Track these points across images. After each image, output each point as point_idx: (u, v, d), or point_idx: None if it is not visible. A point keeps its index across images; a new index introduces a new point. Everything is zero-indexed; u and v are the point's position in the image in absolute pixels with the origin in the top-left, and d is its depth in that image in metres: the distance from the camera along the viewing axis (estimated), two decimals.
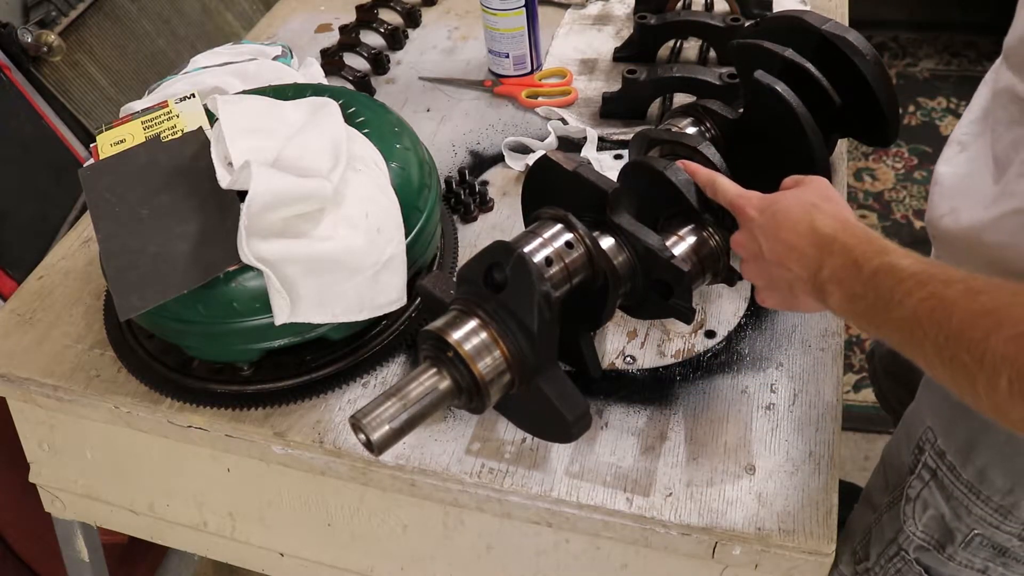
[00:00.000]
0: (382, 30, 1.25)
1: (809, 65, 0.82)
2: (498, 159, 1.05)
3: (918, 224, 2.21)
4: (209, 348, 0.78)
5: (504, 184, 1.01)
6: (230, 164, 0.74)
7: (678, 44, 1.19)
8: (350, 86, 1.15)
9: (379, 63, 1.21)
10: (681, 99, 1.05)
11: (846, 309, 0.60)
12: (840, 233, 0.61)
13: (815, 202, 0.64)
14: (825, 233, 0.61)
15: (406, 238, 0.77)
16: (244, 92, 0.86)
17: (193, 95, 0.86)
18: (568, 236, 0.70)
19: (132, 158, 0.80)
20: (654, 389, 0.78)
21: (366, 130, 0.81)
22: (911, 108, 2.55)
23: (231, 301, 0.71)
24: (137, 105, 0.89)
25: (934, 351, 0.51)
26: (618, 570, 0.76)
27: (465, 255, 0.91)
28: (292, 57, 1.02)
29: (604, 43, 1.23)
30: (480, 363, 0.63)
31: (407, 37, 1.28)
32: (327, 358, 0.79)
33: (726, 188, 0.71)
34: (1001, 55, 0.73)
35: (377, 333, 0.81)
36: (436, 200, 0.84)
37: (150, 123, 0.83)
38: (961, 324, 0.49)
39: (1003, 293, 0.48)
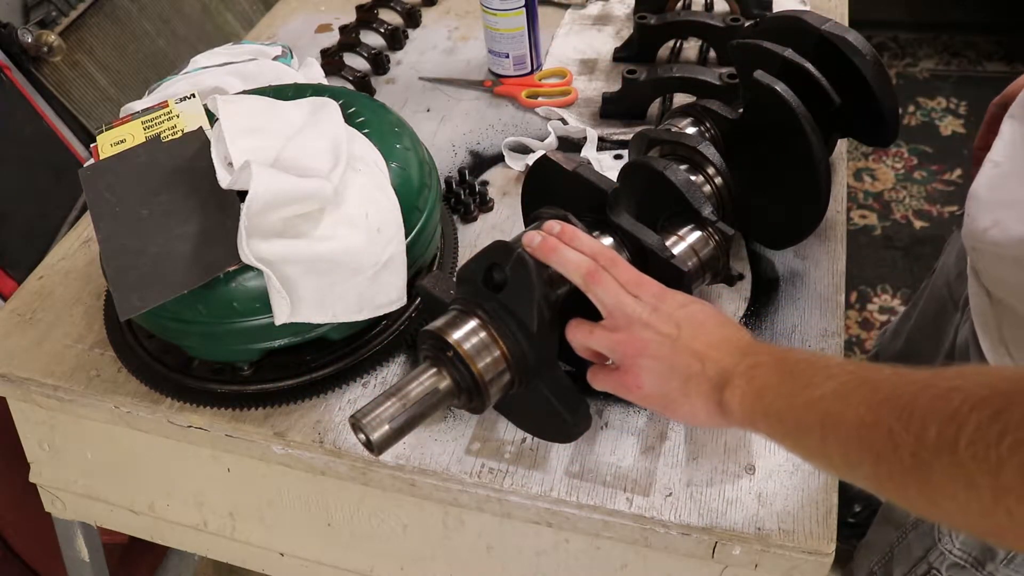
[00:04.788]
0: (382, 30, 1.25)
1: (809, 65, 0.82)
2: (498, 159, 1.05)
3: (918, 224, 2.21)
4: (209, 348, 0.78)
5: (504, 184, 1.01)
6: (230, 164, 0.74)
7: (678, 44, 1.19)
8: (350, 86, 1.15)
9: (379, 63, 1.21)
10: (681, 99, 1.05)
11: (748, 405, 0.55)
12: (766, 344, 0.60)
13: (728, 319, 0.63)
14: (751, 340, 0.60)
15: (406, 238, 0.77)
16: (244, 92, 0.86)
17: (193, 95, 0.86)
18: None
19: (132, 158, 0.80)
20: None
21: (366, 130, 0.81)
22: (911, 108, 2.55)
23: (231, 301, 0.71)
24: (137, 105, 0.89)
25: (854, 422, 0.48)
26: (618, 570, 0.76)
27: (465, 255, 0.91)
28: (292, 57, 1.02)
29: (604, 43, 1.23)
30: (480, 363, 0.63)
31: (407, 37, 1.28)
32: (327, 358, 0.79)
33: (628, 268, 0.65)
34: None
35: (377, 333, 0.81)
36: (436, 200, 0.84)
37: (150, 123, 0.83)
38: (889, 393, 0.47)
39: (928, 371, 0.47)
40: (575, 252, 0.64)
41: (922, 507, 0.46)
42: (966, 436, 0.41)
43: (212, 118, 0.82)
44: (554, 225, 0.66)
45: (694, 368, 0.59)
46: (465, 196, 0.97)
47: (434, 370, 0.64)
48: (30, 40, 1.30)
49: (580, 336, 0.64)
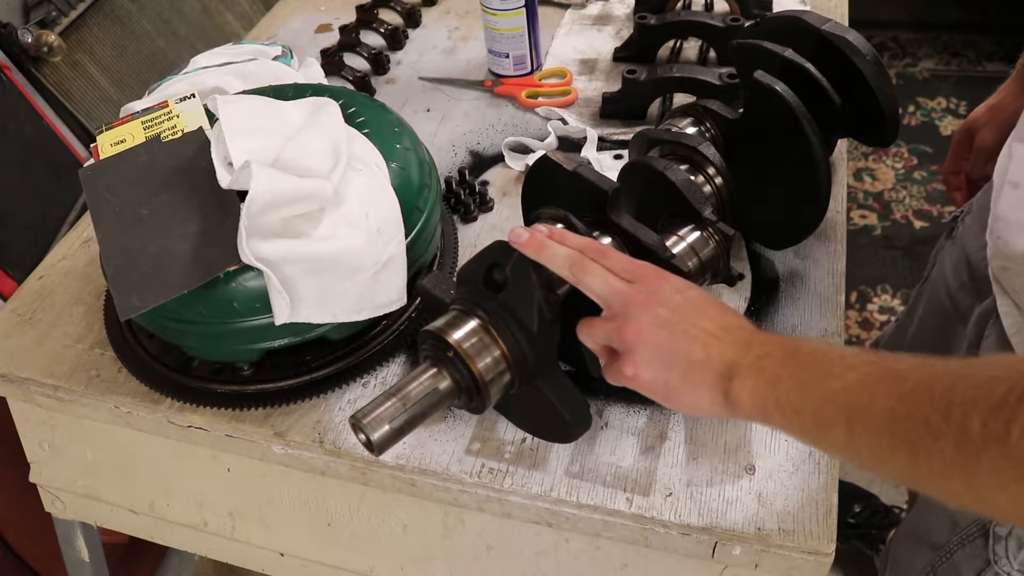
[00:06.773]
0: (382, 30, 1.25)
1: (809, 65, 0.82)
2: (498, 159, 1.05)
3: (918, 224, 2.21)
4: (209, 348, 0.78)
5: (504, 184, 1.01)
6: (230, 164, 0.74)
7: (678, 44, 1.19)
8: (350, 86, 1.15)
9: (379, 63, 1.21)
10: (681, 99, 1.05)
11: (759, 398, 0.53)
12: (771, 334, 0.58)
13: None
14: (754, 329, 0.58)
15: (406, 238, 0.77)
16: (244, 92, 0.86)
17: (193, 95, 0.86)
18: None
19: (132, 158, 0.80)
20: None
21: (366, 130, 0.81)
22: (911, 108, 2.55)
23: (231, 301, 0.71)
24: (137, 105, 0.89)
25: (883, 414, 0.46)
26: (618, 570, 0.76)
27: (465, 255, 0.91)
28: (292, 57, 1.02)
29: (604, 43, 1.23)
30: (480, 363, 0.63)
31: (407, 37, 1.28)
32: (327, 358, 0.79)
33: (620, 256, 0.63)
34: None
35: (377, 333, 0.81)
36: (436, 200, 0.84)
37: (150, 123, 0.83)
38: (918, 384, 0.45)
39: (957, 361, 0.46)
40: (562, 247, 0.63)
41: (966, 500, 0.44)
42: (1018, 427, 0.39)
43: (212, 118, 0.82)
44: (541, 229, 0.65)
45: (696, 356, 0.57)
46: (465, 196, 0.97)
47: (434, 370, 0.64)
48: (30, 40, 1.30)
49: (585, 331, 0.63)
